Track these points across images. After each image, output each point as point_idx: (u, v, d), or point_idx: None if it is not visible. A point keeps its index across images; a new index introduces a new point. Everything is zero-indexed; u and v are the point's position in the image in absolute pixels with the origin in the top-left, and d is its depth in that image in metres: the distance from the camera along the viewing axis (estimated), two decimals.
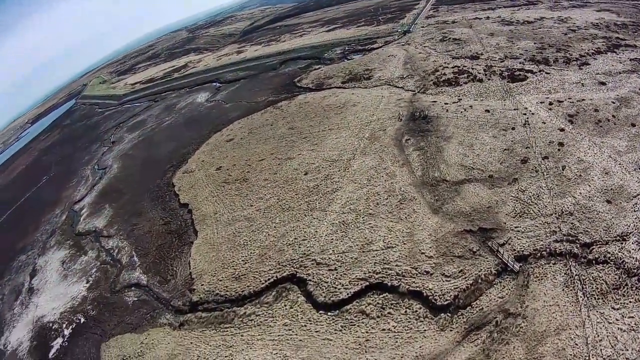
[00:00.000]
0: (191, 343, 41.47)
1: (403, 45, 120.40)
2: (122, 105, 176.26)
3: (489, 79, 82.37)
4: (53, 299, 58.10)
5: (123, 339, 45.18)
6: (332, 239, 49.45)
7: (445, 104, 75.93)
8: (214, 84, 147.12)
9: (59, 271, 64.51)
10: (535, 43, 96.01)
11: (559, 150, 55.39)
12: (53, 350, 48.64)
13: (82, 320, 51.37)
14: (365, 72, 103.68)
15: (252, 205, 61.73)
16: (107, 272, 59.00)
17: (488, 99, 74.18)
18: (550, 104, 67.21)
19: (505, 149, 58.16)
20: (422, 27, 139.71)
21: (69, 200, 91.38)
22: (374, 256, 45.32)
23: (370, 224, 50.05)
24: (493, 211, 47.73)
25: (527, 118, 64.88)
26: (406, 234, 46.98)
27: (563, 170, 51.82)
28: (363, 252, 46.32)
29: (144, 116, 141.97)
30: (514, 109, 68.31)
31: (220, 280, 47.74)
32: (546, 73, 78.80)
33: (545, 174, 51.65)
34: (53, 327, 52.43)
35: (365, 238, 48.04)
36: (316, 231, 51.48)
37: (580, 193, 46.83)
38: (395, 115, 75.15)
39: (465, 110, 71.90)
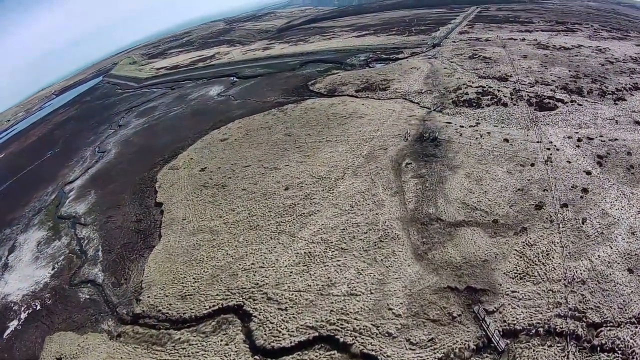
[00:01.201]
0: (121, 358, 38.09)
1: (429, 58, 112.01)
2: (141, 89, 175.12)
3: (514, 104, 73.38)
4: (21, 279, 56.96)
5: (65, 336, 43.26)
6: (292, 273, 42.15)
7: (461, 126, 67.48)
8: (231, 78, 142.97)
9: (33, 252, 63.34)
10: (569, 71, 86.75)
11: (581, 197, 46.40)
12: (7, 332, 47.76)
13: (38, 307, 50.17)
14: (382, 82, 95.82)
15: (221, 217, 55.79)
16: (71, 262, 56.94)
17: (510, 127, 65.34)
18: (579, 140, 58.08)
19: (519, 189, 49.26)
20: (454, 41, 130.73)
21: (63, 180, 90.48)
22: (333, 302, 37.61)
23: (338, 261, 42.30)
24: (489, 267, 39.13)
25: (551, 154, 55.84)
26: (377, 280, 38.95)
27: (583, 224, 42.80)
28: (321, 294, 38.68)
29: (155, 103, 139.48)
30: (537, 142, 59.43)
31: (167, 296, 43.57)
32: (578, 104, 69.64)
33: (561, 226, 42.76)
34: (13, 308, 51.31)
35: (329, 278, 40.36)
36: (277, 259, 44.37)
37: (598, 256, 38.02)
38: (402, 134, 66.99)
39: (481, 136, 63.28)
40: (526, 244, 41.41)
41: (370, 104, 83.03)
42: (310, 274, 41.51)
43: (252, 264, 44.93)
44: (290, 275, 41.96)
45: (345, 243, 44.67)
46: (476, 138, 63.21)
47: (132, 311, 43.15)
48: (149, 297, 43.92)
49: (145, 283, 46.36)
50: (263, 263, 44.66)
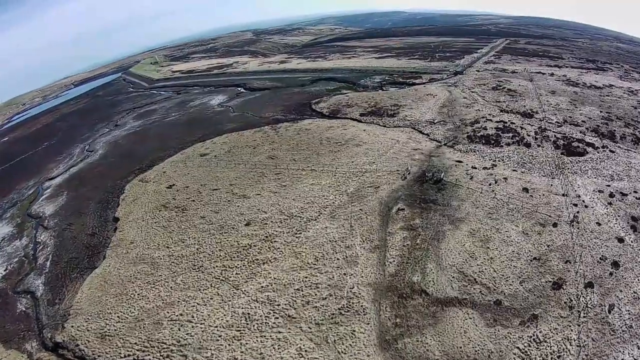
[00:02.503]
0: None
1: (449, 85, 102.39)
2: (150, 90, 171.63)
3: (539, 145, 63.78)
4: None
5: None
6: (220, 337, 33.01)
7: (473, 167, 57.10)
8: (239, 88, 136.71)
9: None
10: (601, 111, 78.14)
11: (610, 274, 36.61)
12: None
13: None
14: (392, 107, 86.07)
15: (168, 247, 47.89)
16: (22, 267, 52.88)
17: (531, 172, 55.38)
18: (611, 195, 48.31)
19: (534, 258, 39.13)
20: (478, 71, 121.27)
21: (45, 175, 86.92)
22: None
23: (280, 332, 32.26)
24: None
25: (578, 212, 45.82)
26: None
27: (609, 312, 33.01)
28: None
29: (157, 106, 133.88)
30: (563, 194, 49.32)
31: (88, 331, 37.99)
32: (610, 151, 60.63)
33: (582, 315, 32.67)
34: None
35: (261, 355, 29.95)
36: (209, 315, 35.31)
37: None
38: (401, 170, 56.55)
39: (496, 182, 52.89)
40: (533, 339, 31.18)
41: (372, 131, 73.18)
42: (240, 344, 31.80)
43: (181, 314, 36.69)
44: (217, 340, 32.71)
45: (295, 309, 34.36)
46: (490, 184, 52.56)
47: (54, 337, 38.46)
48: (72, 326, 38.88)
49: (73, 309, 41.38)
50: (192, 316, 35.99)
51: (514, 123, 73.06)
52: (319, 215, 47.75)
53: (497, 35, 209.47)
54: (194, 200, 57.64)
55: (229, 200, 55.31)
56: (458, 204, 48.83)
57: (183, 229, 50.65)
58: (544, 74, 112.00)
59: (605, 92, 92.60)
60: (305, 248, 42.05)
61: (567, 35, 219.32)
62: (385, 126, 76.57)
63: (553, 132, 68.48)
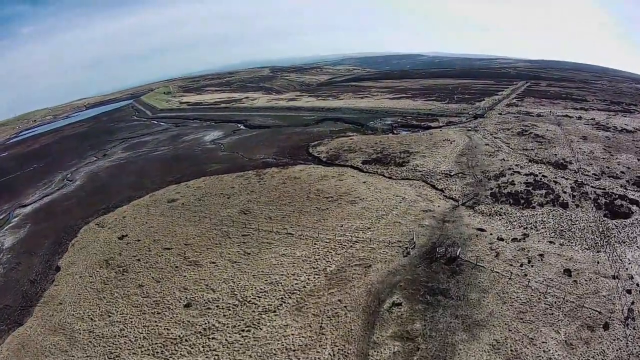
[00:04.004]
0: None
1: (468, 130, 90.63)
2: (151, 120, 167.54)
3: (577, 205, 51.50)
4: None
5: None
6: None
7: (499, 239, 43.95)
8: (238, 125, 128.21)
9: None
10: (638, 159, 67.86)
11: None
12: None
13: None
14: (401, 154, 73.83)
15: (92, 319, 38.75)
16: None
17: (572, 245, 42.67)
18: None
19: None
20: (500, 114, 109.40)
21: (21, 200, 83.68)
22: None
23: None
24: None
25: (632, 303, 33.47)
26: None
27: None
28: None
29: (150, 138, 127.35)
30: (613, 277, 37.12)
31: None
32: None
33: None
34: None
35: None
36: None
37: None
38: (404, 241, 43.23)
39: (529, 261, 39.72)
40: None
41: (374, 184, 60.75)
42: None
43: None
44: None
45: None
46: (521, 264, 39.32)
47: None
48: None
49: None
50: None
51: (546, 176, 61.24)
52: (281, 304, 34.56)
53: (517, 78, 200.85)
54: (139, 260, 46.79)
55: (176, 267, 43.26)
56: (478, 298, 35.14)
57: (115, 298, 40.46)
58: (571, 117, 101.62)
59: (638, 136, 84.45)
60: (250, 357, 28.40)
61: (586, 77, 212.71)
62: (390, 177, 64.17)
63: (591, 187, 57.12)
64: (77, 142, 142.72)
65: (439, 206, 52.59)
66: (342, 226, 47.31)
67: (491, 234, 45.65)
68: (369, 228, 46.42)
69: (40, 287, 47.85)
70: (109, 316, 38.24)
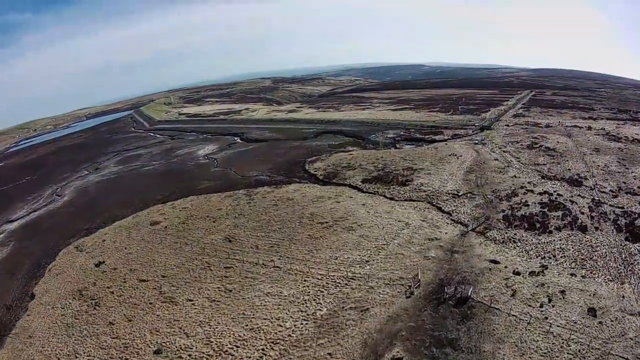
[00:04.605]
0: None
1: (476, 143, 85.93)
2: (148, 132, 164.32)
3: (597, 228, 46.71)
4: None
5: None
6: None
7: (515, 273, 38.96)
8: (234, 138, 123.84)
9: None
10: None
11: None
12: None
13: None
14: (404, 171, 68.93)
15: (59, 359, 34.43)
16: None
17: (595, 276, 37.92)
18: None
19: None
20: (507, 125, 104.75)
21: (8, 215, 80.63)
22: None
23: None
24: None
25: None
26: None
27: None
28: None
29: (144, 151, 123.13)
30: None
31: None
32: None
33: None
34: None
35: None
36: None
37: None
38: (407, 278, 38.14)
39: (550, 300, 34.75)
40: None
41: (374, 206, 55.81)
42: None
43: None
44: None
45: None
46: (541, 305, 34.31)
47: None
48: None
49: None
50: None
51: (561, 195, 56.47)
52: (261, 357, 29.57)
53: (521, 87, 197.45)
54: (113, 292, 42.61)
55: (151, 303, 38.77)
56: (492, 350, 30.25)
57: (83, 337, 36.58)
58: (580, 127, 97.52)
59: None
60: None
61: (589, 85, 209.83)
62: (392, 198, 59.16)
63: (609, 205, 52.47)
64: (73, 154, 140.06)
65: (446, 233, 47.29)
66: (336, 259, 42.15)
67: (506, 267, 40.46)
68: (367, 261, 41.20)
69: (14, 315, 44.58)
70: (76, 357, 34.04)
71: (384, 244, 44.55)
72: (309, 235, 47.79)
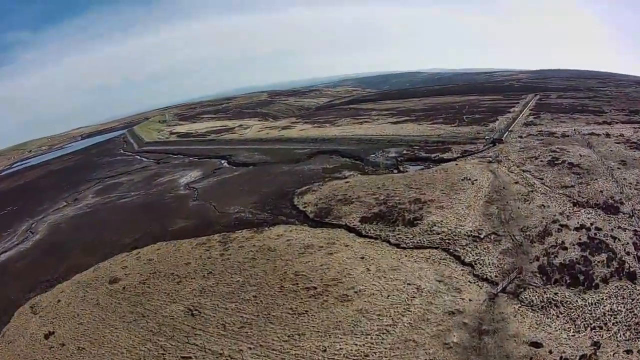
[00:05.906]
0: None
1: (490, 162, 76.01)
2: (134, 155, 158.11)
3: None
4: None
5: None
6: None
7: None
8: (221, 161, 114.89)
9: None
10: None
11: None
12: None
13: None
14: (411, 205, 58.79)
15: None
16: None
17: None
18: None
19: None
20: (520, 136, 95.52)
21: None
22: None
23: None
24: None
25: None
26: None
27: None
28: None
29: (126, 178, 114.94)
30: None
31: None
32: None
33: None
34: None
35: None
36: None
37: None
38: None
39: None
40: None
41: (376, 260, 45.54)
42: None
43: None
44: None
45: None
46: None
47: None
48: None
49: None
50: None
51: (600, 229, 45.91)
52: None
53: (523, 91, 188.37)
54: None
55: None
56: None
57: None
58: (598, 135, 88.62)
59: None
60: None
61: (591, 84, 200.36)
62: (398, 246, 48.63)
63: None
64: (58, 180, 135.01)
65: (470, 300, 36.52)
66: (325, 350, 31.66)
67: (551, 352, 30.02)
68: (367, 355, 30.41)
69: None
70: None
71: (390, 325, 33.66)
72: (291, 309, 37.35)
